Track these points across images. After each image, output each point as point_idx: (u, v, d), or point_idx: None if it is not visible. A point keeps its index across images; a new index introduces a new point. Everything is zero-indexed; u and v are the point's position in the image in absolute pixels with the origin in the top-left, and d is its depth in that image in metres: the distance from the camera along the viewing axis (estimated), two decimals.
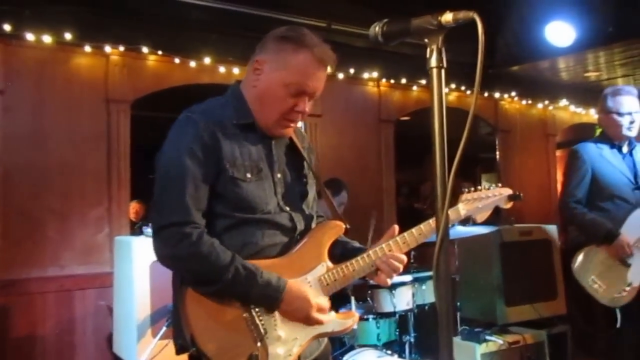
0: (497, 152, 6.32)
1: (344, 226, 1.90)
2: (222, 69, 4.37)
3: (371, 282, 2.60)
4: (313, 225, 1.93)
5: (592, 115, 7.10)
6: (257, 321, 1.72)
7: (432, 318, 3.55)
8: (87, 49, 3.91)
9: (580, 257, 3.39)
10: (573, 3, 4.68)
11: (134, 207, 7.22)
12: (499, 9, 5.05)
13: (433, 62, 1.27)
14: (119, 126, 4.01)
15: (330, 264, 1.85)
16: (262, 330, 1.72)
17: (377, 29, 1.37)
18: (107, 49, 3.96)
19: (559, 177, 7.42)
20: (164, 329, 2.94)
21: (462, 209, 2.01)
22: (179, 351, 1.73)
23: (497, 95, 6.12)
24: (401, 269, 1.86)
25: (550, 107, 6.65)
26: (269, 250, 1.79)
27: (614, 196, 3.42)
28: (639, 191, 3.43)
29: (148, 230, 3.19)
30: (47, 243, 3.76)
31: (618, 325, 3.27)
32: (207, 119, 1.76)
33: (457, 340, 3.66)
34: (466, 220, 3.19)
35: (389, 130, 5.36)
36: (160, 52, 4.11)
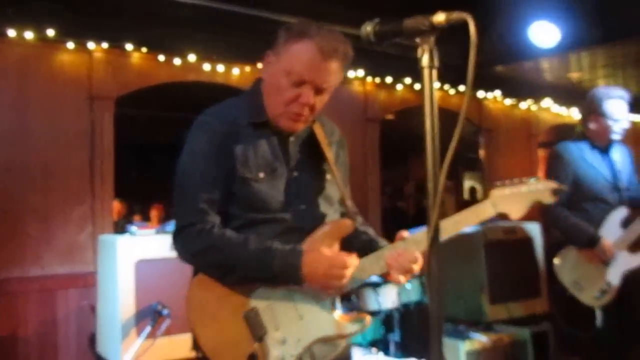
0: (481, 151, 6.37)
1: (352, 226, 1.85)
2: (207, 67, 4.34)
3: None
4: (324, 222, 1.89)
5: (574, 115, 7.19)
6: (257, 319, 1.72)
7: (417, 317, 3.57)
8: (70, 45, 3.85)
9: (561, 258, 3.44)
10: (557, 5, 4.73)
11: (115, 207, 7.17)
12: (484, 9, 5.08)
13: (425, 62, 1.28)
14: (103, 124, 3.96)
15: None
16: (262, 329, 1.71)
17: (369, 28, 1.37)
18: (91, 45, 3.90)
19: (541, 176, 7.50)
20: (149, 328, 2.92)
21: (492, 205, 1.88)
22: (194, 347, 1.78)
23: (481, 94, 6.16)
24: (415, 269, 1.78)
25: (534, 107, 6.71)
26: None
27: (594, 197, 3.45)
28: (618, 192, 3.48)
29: (133, 228, 3.18)
30: (28, 242, 3.70)
31: (598, 325, 3.30)
32: (220, 121, 1.80)
33: None
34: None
35: (374, 129, 5.37)
36: (144, 50, 4.07)
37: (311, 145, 1.90)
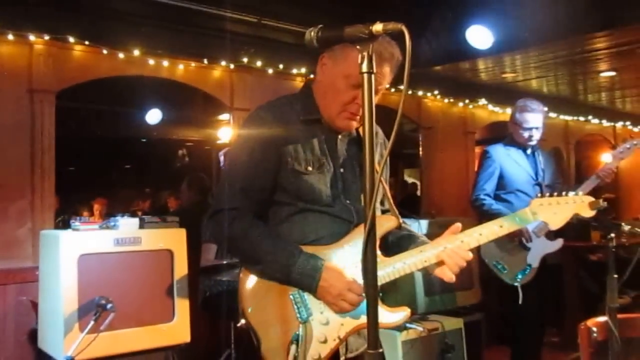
0: (420, 148, 6.56)
1: (398, 221, 1.96)
2: (151, 62, 4.32)
3: None
4: None
5: (508, 114, 7.47)
6: (302, 302, 1.83)
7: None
8: (10, 37, 3.77)
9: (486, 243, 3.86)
10: (492, 9, 4.94)
11: (98, 207, 7.04)
12: (423, 12, 5.25)
13: (364, 67, 1.37)
14: (43, 117, 3.89)
15: (382, 256, 1.83)
16: (307, 312, 1.82)
17: (312, 34, 1.45)
18: (31, 37, 3.83)
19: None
20: (92, 323, 2.91)
21: (532, 213, 1.96)
22: (238, 320, 1.89)
23: (420, 93, 6.34)
24: (464, 266, 1.86)
25: (470, 106, 6.95)
26: (326, 240, 1.89)
27: (517, 190, 3.98)
28: (539, 187, 3.98)
29: (76, 223, 3.15)
30: None
31: (520, 302, 3.74)
32: (274, 115, 1.92)
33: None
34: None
35: None
36: (87, 43, 4.01)
37: (357, 144, 2.01)
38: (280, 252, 1.83)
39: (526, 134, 3.96)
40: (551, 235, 3.84)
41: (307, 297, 1.84)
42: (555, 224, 1.97)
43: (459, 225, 1.92)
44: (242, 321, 1.84)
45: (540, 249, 3.83)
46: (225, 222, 1.85)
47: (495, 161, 4.01)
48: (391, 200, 2.03)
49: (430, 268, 1.89)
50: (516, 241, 3.84)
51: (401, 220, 1.99)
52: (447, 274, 1.87)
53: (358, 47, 1.38)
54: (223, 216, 1.86)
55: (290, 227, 1.91)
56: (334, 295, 1.80)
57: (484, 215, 3.89)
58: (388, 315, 1.87)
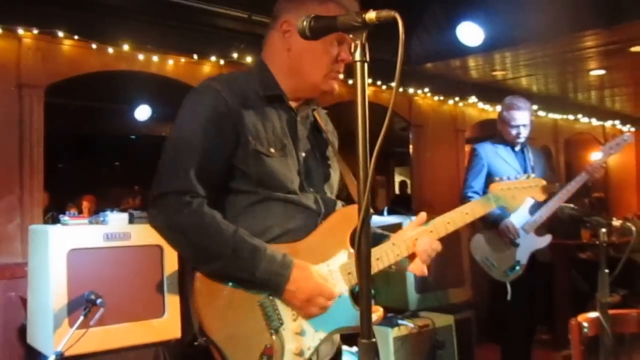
0: (411, 146, 6.57)
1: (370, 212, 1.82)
2: (140, 57, 4.30)
3: None
4: (336, 209, 1.79)
5: (498, 112, 7.51)
6: (273, 309, 1.60)
7: None
8: None
9: (476, 237, 3.96)
10: (482, 6, 4.96)
11: (87, 205, 6.97)
12: (414, 9, 5.26)
13: (357, 56, 1.36)
14: (32, 112, 3.85)
15: (352, 251, 1.68)
16: (278, 320, 1.60)
17: (304, 23, 1.44)
18: (20, 31, 3.79)
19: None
20: (82, 318, 2.90)
21: (492, 198, 1.91)
22: (189, 345, 1.60)
23: (411, 91, 6.35)
24: (434, 257, 1.76)
25: (460, 104, 6.98)
26: (293, 234, 1.68)
27: None
28: None
29: (65, 218, 3.13)
30: None
31: (509, 297, 3.77)
32: (230, 88, 1.66)
33: None
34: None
35: None
36: (76, 37, 3.99)
37: (315, 129, 1.83)
38: (243, 245, 1.56)
39: (514, 132, 3.98)
40: (541, 231, 3.87)
41: (278, 303, 1.61)
42: (513, 208, 1.98)
43: (424, 214, 1.81)
44: (202, 339, 1.56)
45: (529, 245, 3.84)
46: (172, 207, 1.55)
47: (483, 159, 4.03)
48: (353, 191, 1.81)
49: (402, 264, 1.77)
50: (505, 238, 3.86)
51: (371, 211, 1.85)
52: (419, 268, 1.75)
53: (351, 35, 1.36)
54: (168, 201, 1.56)
55: (251, 219, 1.64)
56: (302, 299, 1.59)
57: None
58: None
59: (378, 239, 1.82)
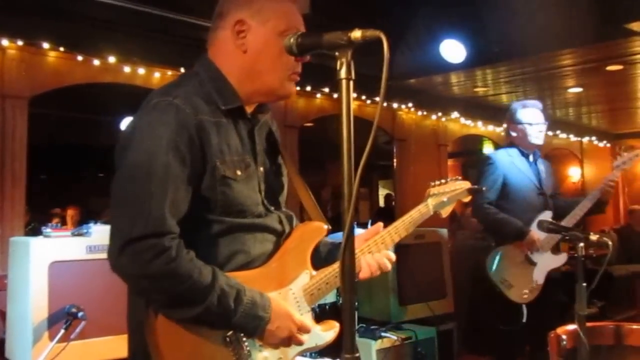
0: (394, 160, 6.63)
1: (326, 227, 1.68)
2: (126, 69, 4.31)
3: None
4: (294, 225, 1.72)
5: (479, 127, 7.61)
6: (241, 343, 1.52)
7: (331, 317, 3.68)
8: None
9: (493, 256, 3.63)
10: (464, 24, 5.05)
11: (71, 213, 6.89)
12: (398, 26, 5.34)
13: (343, 74, 1.38)
14: (15, 123, 3.84)
15: (313, 272, 1.64)
16: (246, 353, 1.52)
17: (291, 40, 1.46)
18: (4, 42, 3.79)
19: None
20: (62, 331, 2.87)
21: (431, 203, 1.90)
22: None
23: (395, 105, 6.42)
24: (389, 268, 1.74)
25: (443, 119, 7.06)
26: (258, 260, 1.58)
27: (522, 200, 3.70)
28: (543, 196, 3.75)
29: (47, 230, 3.10)
30: None
31: (524, 320, 3.51)
32: (193, 105, 1.48)
33: None
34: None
35: (293, 136, 5.49)
36: (61, 49, 3.99)
37: (269, 135, 1.71)
38: (225, 293, 1.43)
39: (533, 130, 3.72)
40: (555, 249, 3.65)
41: (245, 335, 1.54)
42: (445, 212, 1.98)
43: (380, 224, 1.79)
44: None
45: (546, 264, 3.62)
46: (148, 255, 1.36)
47: (499, 168, 3.72)
48: (315, 204, 1.76)
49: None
50: (522, 257, 3.61)
51: (328, 226, 1.73)
52: (366, 274, 1.70)
53: (337, 53, 1.39)
54: (142, 248, 1.36)
55: (214, 249, 1.51)
56: (283, 338, 1.52)
57: (489, 225, 3.74)
58: (324, 335, 1.66)
59: (330, 253, 1.76)
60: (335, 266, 1.64)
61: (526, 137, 3.75)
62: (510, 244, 3.62)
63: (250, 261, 1.56)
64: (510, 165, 3.75)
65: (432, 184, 1.96)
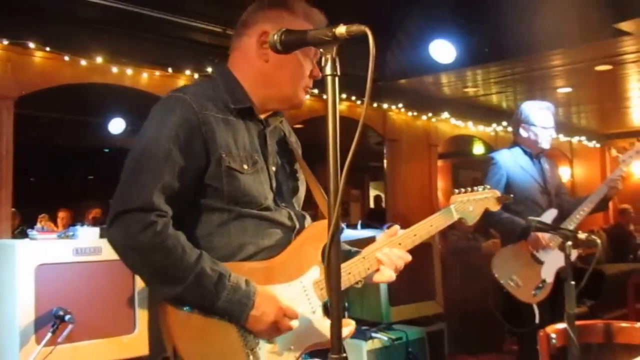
0: (385, 161, 6.63)
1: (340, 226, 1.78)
2: (114, 70, 4.28)
3: None
4: (306, 224, 1.77)
5: (470, 127, 7.63)
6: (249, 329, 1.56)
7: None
8: None
9: (498, 256, 3.60)
10: (454, 24, 5.06)
11: (62, 215, 6.85)
12: (388, 26, 5.35)
13: (328, 70, 1.37)
14: (2, 124, 3.81)
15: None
16: (254, 340, 1.57)
17: (275, 37, 1.45)
18: None
19: (440, 185, 7.90)
20: (49, 335, 2.84)
21: (454, 209, 1.89)
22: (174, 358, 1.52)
23: (385, 106, 6.42)
24: (401, 266, 1.76)
25: (433, 119, 7.06)
26: (268, 251, 1.65)
27: (526, 199, 3.67)
28: (547, 195, 3.74)
29: (33, 233, 3.08)
30: None
31: (537, 320, 3.41)
32: (200, 100, 1.60)
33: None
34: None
35: None
36: (48, 49, 3.96)
37: (283, 140, 1.80)
38: (206, 272, 1.50)
39: (546, 134, 3.71)
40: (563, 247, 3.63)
41: None
42: (471, 220, 1.95)
43: (396, 227, 1.82)
44: None
45: (554, 262, 3.53)
46: (135, 227, 1.47)
47: (502, 168, 3.71)
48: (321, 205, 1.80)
49: (369, 276, 1.75)
50: (528, 255, 3.55)
51: (343, 226, 1.84)
52: (386, 275, 1.73)
53: (321, 50, 1.37)
54: (131, 219, 1.47)
55: (226, 238, 1.60)
56: (268, 323, 1.55)
57: (495, 226, 3.72)
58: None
59: (349, 254, 1.80)
60: (348, 263, 1.69)
61: (536, 140, 3.74)
62: (515, 243, 3.58)
63: (259, 250, 1.63)
64: (514, 164, 3.74)
65: (457, 191, 1.93)
